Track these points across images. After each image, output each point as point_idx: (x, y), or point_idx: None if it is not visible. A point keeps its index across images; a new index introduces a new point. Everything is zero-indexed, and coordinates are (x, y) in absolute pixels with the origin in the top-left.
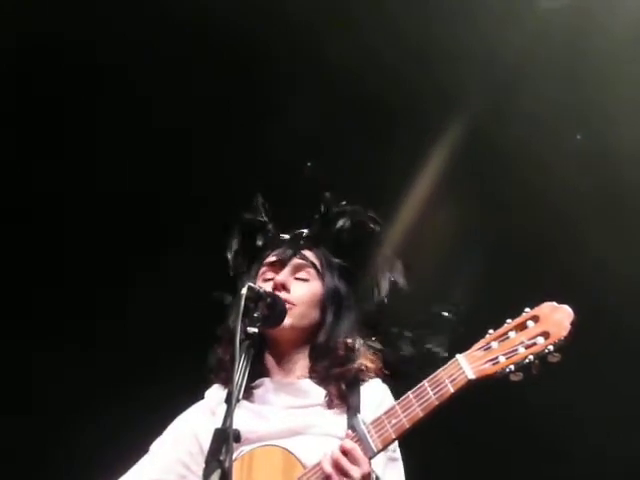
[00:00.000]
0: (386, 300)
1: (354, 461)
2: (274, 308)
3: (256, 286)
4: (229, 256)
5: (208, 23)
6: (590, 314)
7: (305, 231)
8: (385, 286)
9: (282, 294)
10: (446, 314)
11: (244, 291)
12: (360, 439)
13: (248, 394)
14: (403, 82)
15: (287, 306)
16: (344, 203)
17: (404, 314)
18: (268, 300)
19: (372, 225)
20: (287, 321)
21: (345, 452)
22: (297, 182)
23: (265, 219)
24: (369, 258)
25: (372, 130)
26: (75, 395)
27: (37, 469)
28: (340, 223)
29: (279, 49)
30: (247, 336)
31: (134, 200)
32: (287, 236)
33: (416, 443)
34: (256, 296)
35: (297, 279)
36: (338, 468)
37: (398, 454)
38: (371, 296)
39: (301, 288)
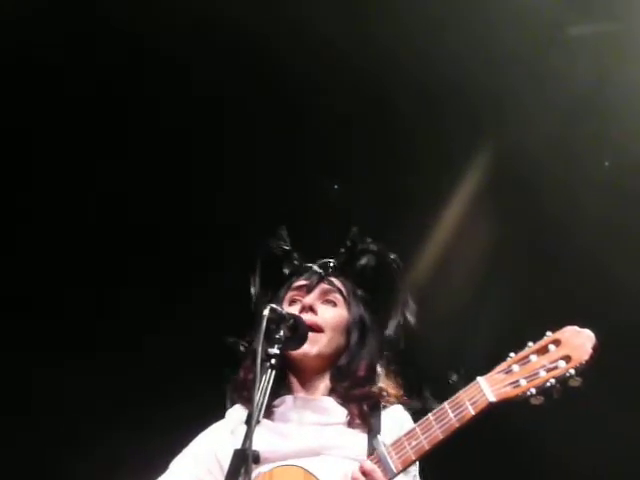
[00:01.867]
0: (400, 340)
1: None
2: (296, 330)
3: (278, 307)
4: (252, 285)
5: None
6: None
7: (333, 260)
8: (397, 325)
9: (309, 316)
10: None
11: (266, 312)
12: (380, 460)
13: (269, 412)
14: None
15: (313, 335)
16: (370, 240)
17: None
18: (290, 322)
19: (395, 266)
20: (314, 349)
21: (365, 473)
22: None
23: (290, 247)
24: (390, 296)
25: (399, 157)
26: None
27: None
28: (365, 260)
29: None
30: (268, 357)
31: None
32: (314, 265)
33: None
34: (278, 317)
35: (325, 302)
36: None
37: (419, 479)
38: (393, 330)
39: (329, 312)
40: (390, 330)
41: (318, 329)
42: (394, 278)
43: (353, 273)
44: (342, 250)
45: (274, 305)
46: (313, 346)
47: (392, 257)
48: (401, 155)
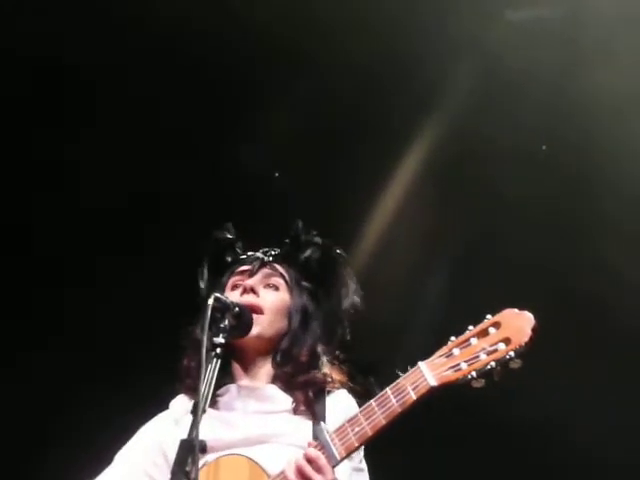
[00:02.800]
0: (346, 328)
1: (318, 469)
2: (241, 318)
3: (223, 296)
4: (200, 276)
5: None
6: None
7: (275, 249)
8: (344, 311)
9: (250, 297)
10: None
11: (211, 301)
12: (323, 447)
13: (213, 402)
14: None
15: (255, 316)
16: (314, 233)
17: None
18: (235, 310)
19: (339, 259)
20: (254, 330)
21: (309, 460)
22: (266, 200)
23: (234, 237)
24: (334, 287)
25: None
26: None
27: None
28: (309, 252)
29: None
30: (214, 346)
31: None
32: (257, 253)
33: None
34: (223, 306)
35: (267, 286)
36: (302, 476)
37: (364, 464)
38: (334, 319)
39: (270, 295)
40: (337, 320)
41: (259, 310)
42: (339, 271)
43: (297, 264)
44: (286, 241)
45: (218, 294)
46: (254, 328)
47: (337, 251)
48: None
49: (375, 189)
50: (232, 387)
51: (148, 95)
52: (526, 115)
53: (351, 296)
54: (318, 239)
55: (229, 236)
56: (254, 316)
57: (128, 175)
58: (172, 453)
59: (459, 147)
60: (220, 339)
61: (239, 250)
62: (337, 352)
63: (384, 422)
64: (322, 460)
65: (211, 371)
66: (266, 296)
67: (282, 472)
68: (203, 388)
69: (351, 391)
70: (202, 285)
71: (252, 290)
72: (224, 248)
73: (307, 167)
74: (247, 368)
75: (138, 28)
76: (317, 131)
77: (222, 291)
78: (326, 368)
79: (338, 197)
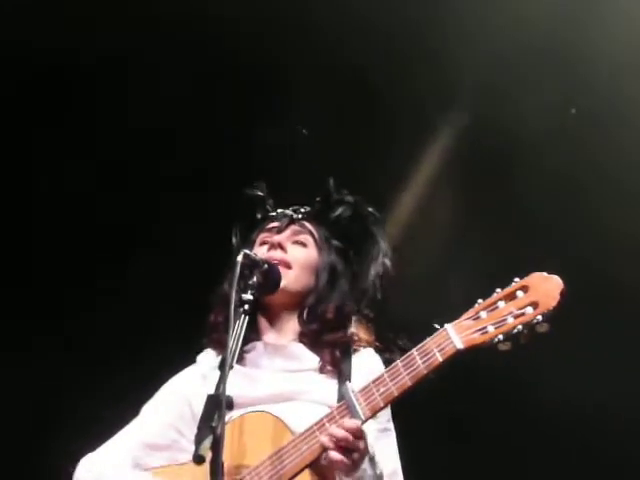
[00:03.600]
0: (378, 289)
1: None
2: (269, 275)
3: (252, 253)
4: (233, 233)
5: None
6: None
7: (306, 207)
8: (375, 274)
9: (278, 253)
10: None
11: (239, 258)
12: (349, 407)
13: (240, 358)
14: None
15: (282, 269)
16: (346, 192)
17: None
18: (264, 267)
19: (372, 218)
20: (281, 284)
21: (344, 426)
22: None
23: (265, 195)
24: (365, 247)
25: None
26: None
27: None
28: (340, 210)
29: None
30: (242, 303)
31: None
32: (287, 211)
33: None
34: (251, 263)
35: (295, 243)
36: (340, 442)
37: (391, 425)
38: (364, 279)
39: (298, 251)
40: (367, 280)
41: (285, 265)
42: (371, 229)
43: (327, 222)
44: (317, 200)
45: (247, 251)
46: (281, 281)
47: (369, 209)
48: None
49: (413, 153)
50: (259, 344)
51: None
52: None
53: (382, 257)
54: (350, 197)
55: (260, 193)
56: (282, 270)
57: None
58: (198, 407)
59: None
60: (248, 296)
61: (269, 207)
62: (366, 311)
63: (410, 383)
64: (360, 428)
65: (239, 327)
66: (294, 252)
67: (307, 431)
68: (231, 344)
69: (378, 350)
70: (234, 241)
71: (280, 246)
72: (255, 205)
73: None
74: (273, 324)
75: None
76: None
77: (251, 247)
78: (354, 327)
79: (372, 160)
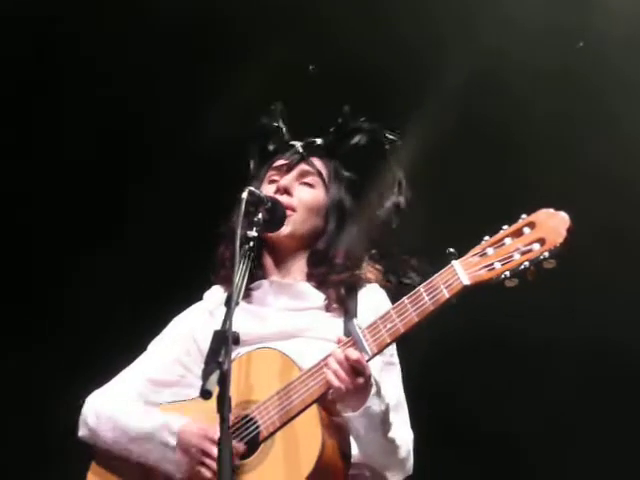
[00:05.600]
0: (392, 221)
1: (356, 363)
2: (274, 213)
3: (257, 190)
4: (250, 160)
5: None
6: None
7: (318, 140)
8: (391, 206)
9: (284, 197)
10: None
11: (245, 195)
12: (356, 342)
13: (246, 295)
14: None
15: (287, 212)
16: (363, 119)
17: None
18: (268, 204)
19: (388, 146)
20: (286, 228)
21: (347, 357)
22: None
23: (280, 124)
24: (380, 177)
25: None
26: None
27: None
28: (356, 139)
29: None
30: (247, 239)
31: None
32: (299, 143)
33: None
34: (257, 200)
35: (302, 184)
36: (344, 372)
37: (396, 358)
38: (376, 214)
39: (305, 193)
40: (382, 212)
41: (292, 209)
42: (388, 158)
43: (342, 152)
44: (332, 128)
45: (252, 188)
46: (286, 225)
47: (388, 135)
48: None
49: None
50: (264, 282)
51: None
52: None
53: (398, 188)
54: (367, 124)
55: (275, 123)
56: (287, 213)
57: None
58: (205, 343)
59: None
60: (253, 232)
61: (285, 136)
62: (375, 252)
63: (416, 319)
64: (362, 360)
65: (244, 264)
66: (300, 194)
67: (315, 366)
68: (237, 280)
69: (385, 288)
70: (251, 170)
71: (286, 190)
72: (269, 134)
73: None
74: (280, 264)
75: None
76: None
77: (259, 184)
78: (362, 269)
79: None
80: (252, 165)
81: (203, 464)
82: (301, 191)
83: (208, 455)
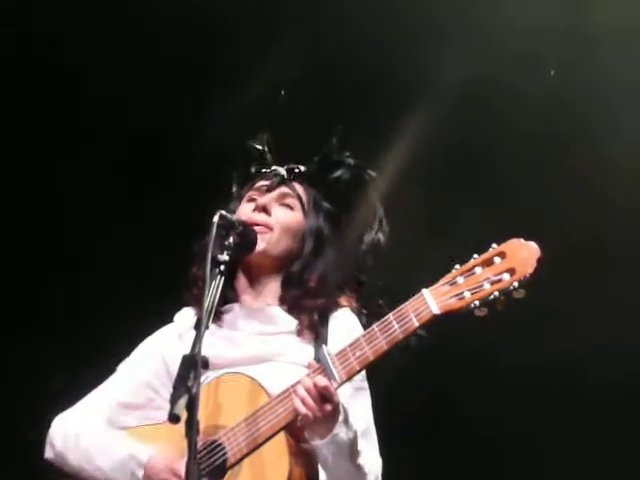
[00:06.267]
0: (369, 257)
1: (325, 390)
2: (245, 237)
3: (228, 214)
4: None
5: None
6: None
7: (301, 167)
8: (370, 241)
9: (261, 215)
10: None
11: (215, 219)
12: (325, 369)
13: (217, 319)
14: None
15: (263, 230)
16: (348, 154)
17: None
18: (240, 228)
19: (370, 183)
20: (259, 246)
21: (315, 384)
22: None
23: (265, 149)
24: (360, 212)
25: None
26: None
27: None
28: (339, 172)
29: None
30: (217, 263)
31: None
32: (280, 169)
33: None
34: (228, 224)
35: (281, 205)
36: (311, 399)
37: (366, 384)
38: (354, 247)
39: (283, 213)
40: (358, 248)
41: (268, 227)
42: (370, 196)
43: (323, 184)
44: (315, 159)
45: (223, 212)
46: (260, 243)
47: (370, 174)
48: None
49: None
50: (235, 306)
51: None
52: None
53: (377, 226)
54: (351, 160)
55: (259, 147)
56: (262, 232)
57: None
58: (174, 367)
59: None
60: (224, 256)
61: (267, 162)
62: (349, 281)
63: (386, 347)
64: (330, 387)
65: (214, 288)
66: (278, 214)
67: (283, 393)
68: (206, 305)
69: (357, 315)
70: (233, 192)
71: (264, 209)
72: (252, 158)
73: None
74: (253, 285)
75: None
76: None
77: (238, 203)
78: (336, 295)
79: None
80: (234, 187)
81: None
82: (279, 211)
83: None
